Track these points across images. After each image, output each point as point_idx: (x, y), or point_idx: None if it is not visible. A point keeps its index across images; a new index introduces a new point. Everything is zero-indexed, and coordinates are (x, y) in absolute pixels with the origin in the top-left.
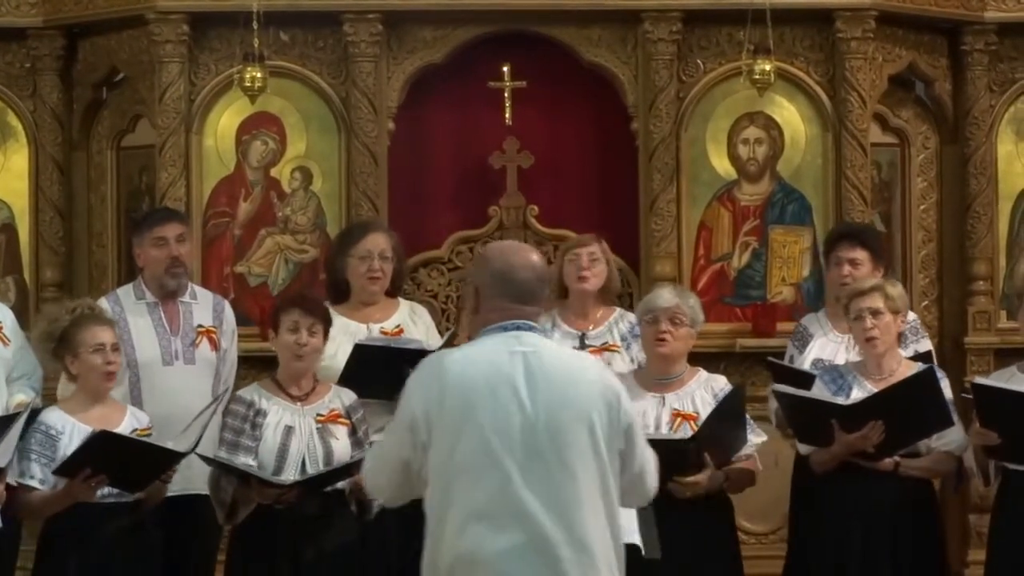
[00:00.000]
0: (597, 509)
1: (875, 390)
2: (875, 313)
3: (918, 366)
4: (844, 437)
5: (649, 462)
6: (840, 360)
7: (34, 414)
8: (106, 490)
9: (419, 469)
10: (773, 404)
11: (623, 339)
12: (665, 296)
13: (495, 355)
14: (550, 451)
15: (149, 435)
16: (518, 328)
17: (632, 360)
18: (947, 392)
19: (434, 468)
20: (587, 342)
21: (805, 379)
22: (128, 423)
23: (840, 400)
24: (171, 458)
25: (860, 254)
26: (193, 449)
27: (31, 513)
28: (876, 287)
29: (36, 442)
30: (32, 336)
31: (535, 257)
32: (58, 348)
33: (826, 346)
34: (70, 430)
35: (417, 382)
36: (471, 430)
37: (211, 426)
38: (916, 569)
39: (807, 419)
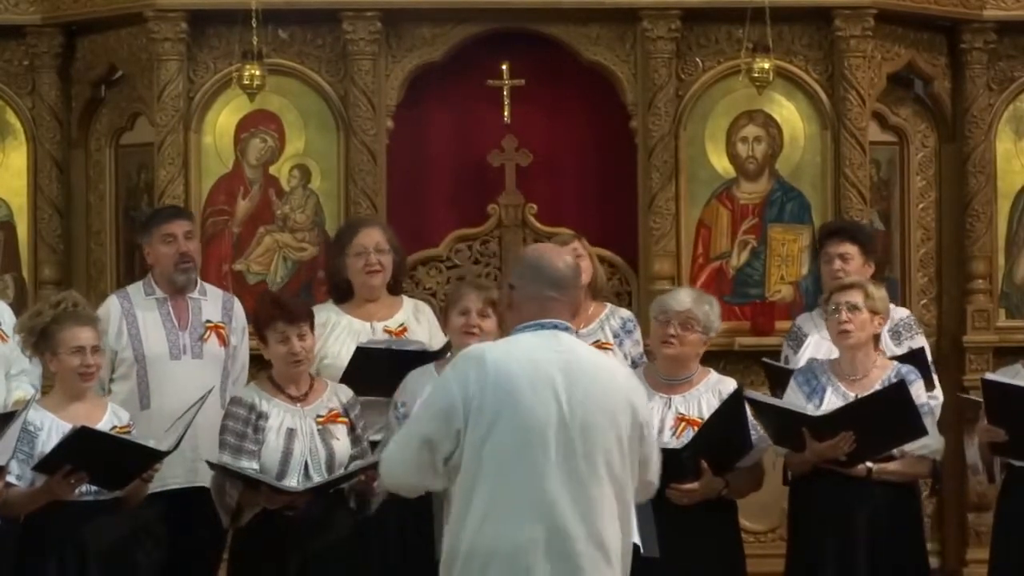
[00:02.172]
0: (614, 510)
1: (849, 392)
2: (852, 308)
3: (894, 367)
4: (815, 445)
5: (657, 464)
6: None
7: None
8: (84, 488)
9: (447, 455)
10: None
11: (615, 335)
12: (681, 299)
13: (535, 352)
14: (581, 450)
15: (128, 433)
16: (555, 327)
17: (626, 356)
18: (921, 397)
19: (465, 456)
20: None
21: None
22: (108, 420)
23: (810, 411)
24: (152, 456)
25: (850, 248)
26: (175, 448)
27: (9, 510)
28: (858, 284)
29: None
30: (14, 327)
31: (567, 256)
32: (38, 343)
33: (820, 345)
34: (49, 426)
35: (458, 371)
36: (506, 422)
37: (214, 429)
38: (895, 569)
39: (780, 426)
